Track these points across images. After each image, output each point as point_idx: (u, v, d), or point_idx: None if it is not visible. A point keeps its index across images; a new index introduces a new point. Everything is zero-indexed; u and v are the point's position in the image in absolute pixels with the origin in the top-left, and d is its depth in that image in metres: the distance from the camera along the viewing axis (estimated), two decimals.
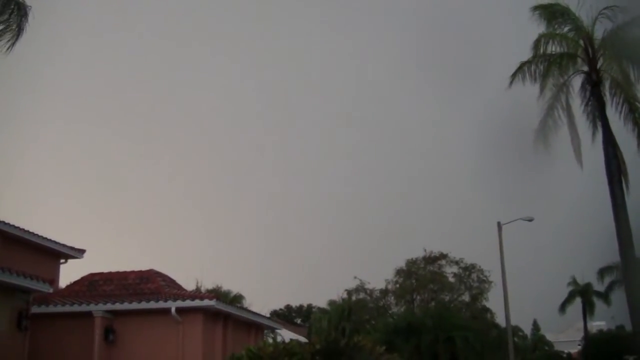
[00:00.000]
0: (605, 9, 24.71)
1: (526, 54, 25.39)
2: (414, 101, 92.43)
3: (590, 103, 24.90)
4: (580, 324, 68.36)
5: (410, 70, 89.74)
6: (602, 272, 56.70)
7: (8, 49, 17.78)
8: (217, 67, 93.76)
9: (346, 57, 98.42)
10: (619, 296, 51.85)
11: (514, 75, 25.15)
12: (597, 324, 75.68)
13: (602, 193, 24.16)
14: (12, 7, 17.98)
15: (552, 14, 25.48)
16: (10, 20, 17.91)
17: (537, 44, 25.12)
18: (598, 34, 25.05)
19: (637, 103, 24.24)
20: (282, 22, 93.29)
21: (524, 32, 25.41)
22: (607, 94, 24.60)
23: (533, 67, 25.08)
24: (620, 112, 24.42)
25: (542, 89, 24.98)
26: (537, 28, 25.42)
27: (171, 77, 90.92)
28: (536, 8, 25.53)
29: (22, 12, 18.01)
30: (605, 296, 60.88)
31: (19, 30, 17.98)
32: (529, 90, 25.24)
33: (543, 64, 24.96)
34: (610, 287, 58.29)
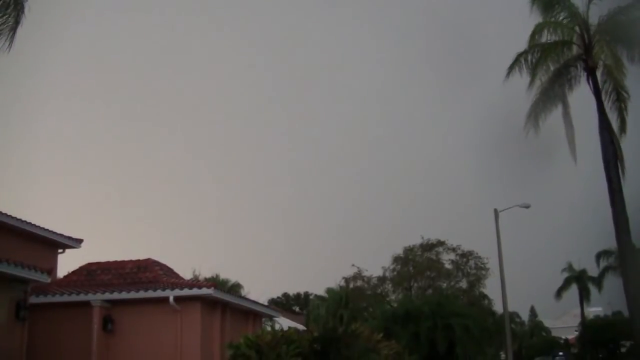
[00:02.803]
0: None
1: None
2: (415, 92, 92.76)
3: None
4: (578, 310, 68.59)
5: (416, 63, 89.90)
6: (599, 257, 56.90)
7: (8, 46, 17.67)
8: (228, 61, 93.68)
9: (351, 54, 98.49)
10: (615, 282, 52.05)
11: (511, 68, 25.09)
12: (594, 310, 75.99)
13: (600, 179, 24.25)
14: (9, 2, 17.84)
15: (548, 3, 25.44)
16: (9, 16, 17.77)
17: (533, 34, 25.05)
18: (594, 19, 25.08)
19: (624, 93, 24.26)
20: (286, 24, 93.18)
21: (525, 28, 25.40)
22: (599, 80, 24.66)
23: (529, 57, 25.04)
24: (608, 100, 24.51)
25: (533, 77, 24.97)
26: (535, 20, 25.45)
27: (179, 66, 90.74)
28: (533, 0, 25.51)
29: (18, 7, 17.89)
30: (597, 281, 61.23)
31: (16, 25, 17.86)
32: (527, 82, 25.28)
33: (537, 54, 24.91)
34: (603, 272, 58.56)
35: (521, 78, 25.09)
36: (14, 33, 17.55)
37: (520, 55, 25.05)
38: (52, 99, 73.45)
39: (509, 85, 25.18)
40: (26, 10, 17.72)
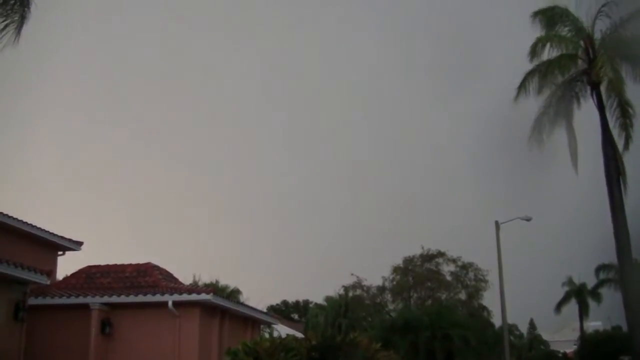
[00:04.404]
0: (603, 6, 24.76)
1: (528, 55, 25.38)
2: (415, 101, 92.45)
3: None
4: (577, 324, 68.40)
5: (411, 70, 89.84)
6: (599, 271, 56.83)
7: (15, 40, 17.78)
8: (221, 65, 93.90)
9: (349, 58, 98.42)
10: (614, 297, 51.97)
11: (520, 88, 25.12)
12: (594, 324, 75.77)
13: (601, 193, 24.23)
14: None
15: (551, 18, 25.46)
16: (14, 10, 17.87)
17: (534, 47, 25.08)
18: (599, 34, 25.11)
19: (629, 109, 24.27)
20: (282, 25, 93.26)
21: (527, 33, 25.42)
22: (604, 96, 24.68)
23: (537, 76, 25.06)
24: (612, 116, 24.54)
25: (540, 89, 25.01)
26: (539, 32, 25.45)
27: (175, 71, 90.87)
28: (536, 14, 25.52)
29: (24, 2, 17.98)
30: (594, 293, 61.17)
31: (22, 20, 17.96)
32: (532, 95, 25.31)
33: (544, 68, 24.93)
34: (600, 284, 58.55)
35: (528, 95, 25.13)
36: (20, 28, 17.68)
37: (529, 74, 25.08)
38: (53, 101, 73.51)
39: (512, 96, 25.22)
40: (32, 8, 17.86)
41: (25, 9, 17.81)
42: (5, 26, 17.62)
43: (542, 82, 24.87)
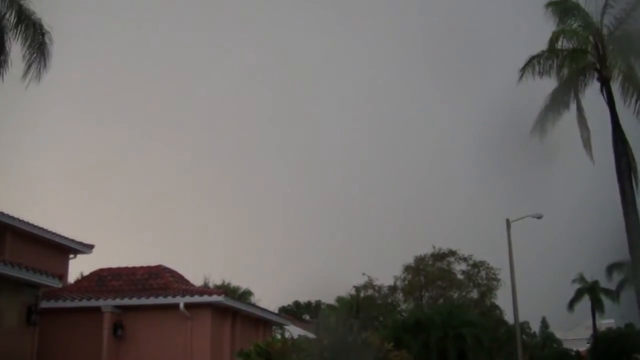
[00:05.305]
0: None
1: (530, 52, 25.31)
2: (421, 99, 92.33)
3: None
4: (589, 322, 68.15)
5: (415, 67, 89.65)
6: (610, 269, 56.50)
7: (37, 76, 19.65)
8: (222, 63, 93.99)
9: (348, 57, 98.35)
10: (627, 294, 51.67)
11: (523, 69, 25.03)
12: (607, 322, 75.42)
13: (612, 190, 24.07)
14: (38, 42, 19.51)
15: (564, 10, 25.41)
16: (35, 53, 19.15)
17: (552, 40, 24.97)
18: (606, 29, 24.98)
19: None
20: (282, 22, 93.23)
21: (528, 30, 25.34)
22: (619, 90, 24.47)
23: (547, 60, 24.94)
24: (634, 109, 24.27)
25: (559, 81, 24.87)
26: (550, 24, 25.37)
27: (178, 70, 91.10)
28: (549, 4, 25.48)
29: (44, 48, 19.64)
30: (615, 294, 60.72)
31: (44, 59, 19.69)
32: (535, 88, 25.15)
33: (556, 59, 24.83)
34: (620, 286, 58.10)
35: (534, 80, 24.99)
36: (43, 67, 19.08)
37: (533, 58, 24.98)
38: (62, 102, 73.77)
39: (518, 91, 25.14)
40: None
41: (46, 51, 19.06)
42: (29, 66, 19.14)
43: (559, 75, 24.75)
